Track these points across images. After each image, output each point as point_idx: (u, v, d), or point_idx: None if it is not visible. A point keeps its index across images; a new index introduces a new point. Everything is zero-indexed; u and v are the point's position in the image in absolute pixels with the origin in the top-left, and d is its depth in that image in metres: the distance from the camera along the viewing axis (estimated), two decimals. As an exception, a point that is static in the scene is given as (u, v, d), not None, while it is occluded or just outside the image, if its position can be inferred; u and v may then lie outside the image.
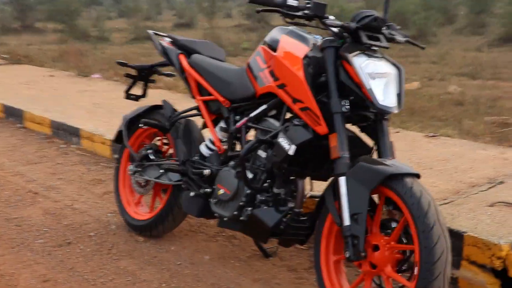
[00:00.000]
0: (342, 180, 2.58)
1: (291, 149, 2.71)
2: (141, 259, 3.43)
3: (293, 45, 2.86)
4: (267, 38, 3.05)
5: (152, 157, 3.64)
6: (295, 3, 2.76)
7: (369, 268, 2.56)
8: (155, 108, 3.69)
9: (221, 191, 3.08)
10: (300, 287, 3.14)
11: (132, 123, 3.74)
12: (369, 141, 2.80)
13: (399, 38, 2.78)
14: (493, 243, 2.96)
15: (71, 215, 4.10)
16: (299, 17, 2.77)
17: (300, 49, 2.82)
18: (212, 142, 3.36)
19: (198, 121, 3.55)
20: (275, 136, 2.84)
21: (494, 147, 4.72)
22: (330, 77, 2.67)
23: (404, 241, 2.53)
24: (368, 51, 2.67)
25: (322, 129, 2.66)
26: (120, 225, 3.89)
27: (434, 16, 18.85)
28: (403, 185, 2.46)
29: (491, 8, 22.54)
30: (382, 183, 2.48)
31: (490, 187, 3.71)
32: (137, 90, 3.92)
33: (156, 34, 3.72)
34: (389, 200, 2.57)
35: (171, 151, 3.70)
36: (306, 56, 2.77)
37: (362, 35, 2.65)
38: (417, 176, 2.53)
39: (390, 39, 2.74)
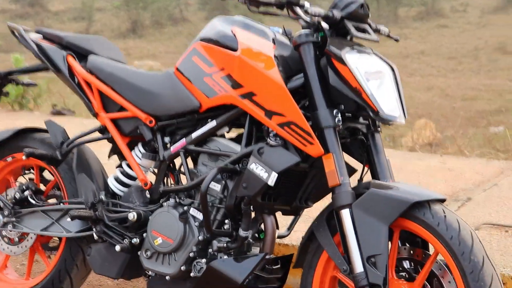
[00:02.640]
0: (346, 214, 2.42)
1: (270, 178, 2.48)
2: None
3: (255, 41, 2.64)
4: (208, 33, 2.78)
5: (32, 200, 3.13)
6: None
7: None
8: (23, 133, 3.24)
9: (159, 240, 2.73)
10: None
11: None
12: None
13: (384, 29, 2.71)
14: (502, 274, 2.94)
15: None
16: (268, 4, 2.51)
17: (266, 46, 2.60)
18: (127, 175, 2.97)
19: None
20: (237, 161, 2.62)
21: (429, 155, 4.78)
22: (313, 82, 2.50)
23: (428, 286, 2.42)
24: (355, 45, 2.54)
25: (315, 149, 2.44)
26: None
27: None
28: (433, 214, 2.33)
29: None
30: (404, 214, 2.34)
31: (460, 206, 3.67)
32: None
33: (25, 29, 3.20)
34: (407, 235, 2.47)
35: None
36: (274, 56, 2.57)
37: (350, 26, 2.50)
38: (443, 201, 2.42)
39: (376, 31, 2.66)
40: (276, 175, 2.45)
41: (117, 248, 2.80)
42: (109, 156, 3.10)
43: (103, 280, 3.51)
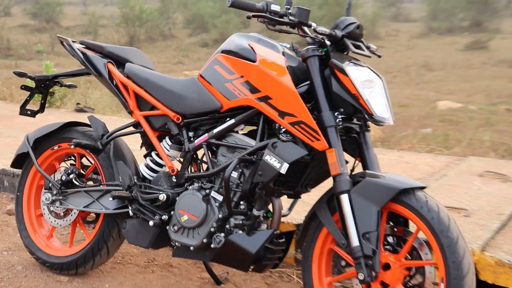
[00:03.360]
0: (345, 198, 2.54)
1: (283, 168, 2.59)
2: (78, 303, 3.08)
3: (269, 54, 2.73)
4: (229, 47, 2.86)
5: (76, 182, 3.28)
6: (278, 9, 2.66)
7: (380, 287, 2.52)
8: (67, 126, 3.35)
9: (185, 217, 2.85)
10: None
11: (37, 143, 3.36)
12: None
13: (373, 46, 2.81)
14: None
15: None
16: (283, 23, 2.67)
17: (278, 58, 2.70)
18: (156, 163, 3.11)
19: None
20: (252, 153, 2.73)
21: (389, 151, 4.97)
22: (318, 89, 2.62)
23: (409, 257, 2.55)
24: (352, 59, 2.66)
25: (321, 144, 2.56)
26: (27, 264, 3.44)
27: (235, 20, 19.57)
28: (417, 199, 2.46)
29: None
30: (393, 199, 2.47)
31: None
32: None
33: (72, 41, 3.35)
34: (391, 215, 2.58)
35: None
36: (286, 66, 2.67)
37: (349, 43, 2.65)
38: (424, 188, 2.53)
39: (367, 47, 2.76)
40: (288, 165, 2.56)
41: (151, 223, 2.92)
42: (141, 147, 3.21)
43: (130, 249, 3.67)
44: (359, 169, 2.71)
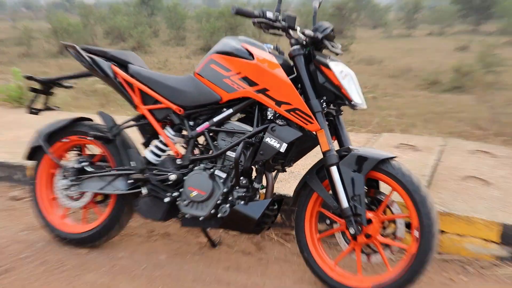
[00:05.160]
0: (335, 169, 2.53)
1: (282, 147, 2.55)
2: (101, 271, 2.87)
3: (263, 53, 2.64)
4: (224, 48, 2.71)
5: (89, 169, 3.02)
6: (272, 15, 2.58)
7: (365, 239, 2.54)
8: (77, 121, 3.11)
9: (194, 193, 2.74)
10: (267, 268, 2.94)
11: (48, 137, 3.10)
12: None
13: (339, 45, 2.75)
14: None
15: (-23, 242, 3.21)
16: (277, 27, 2.60)
17: (270, 57, 2.61)
18: (160, 149, 2.96)
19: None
20: (251, 137, 2.63)
21: None
22: (306, 81, 2.57)
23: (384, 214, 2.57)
24: (330, 56, 2.63)
25: (314, 127, 2.53)
26: (46, 241, 3.22)
27: (147, 31, 19.21)
28: (393, 167, 2.49)
29: (186, 25, 23.93)
30: (373, 167, 2.47)
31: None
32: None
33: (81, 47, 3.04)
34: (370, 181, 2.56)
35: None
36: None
37: (328, 43, 2.61)
38: (394, 157, 2.55)
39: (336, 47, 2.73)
40: (286, 145, 2.53)
41: (166, 199, 2.80)
42: (145, 137, 3.00)
43: (130, 223, 3.44)
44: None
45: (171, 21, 23.35)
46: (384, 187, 2.52)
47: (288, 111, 2.52)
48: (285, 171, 2.88)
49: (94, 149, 3.11)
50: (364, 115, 6.41)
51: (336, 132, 2.66)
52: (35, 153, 3.16)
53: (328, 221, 2.66)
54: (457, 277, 2.80)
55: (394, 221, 2.54)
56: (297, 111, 2.51)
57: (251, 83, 2.60)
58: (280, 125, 2.56)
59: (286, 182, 3.46)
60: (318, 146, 2.59)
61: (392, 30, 27.87)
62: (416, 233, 2.42)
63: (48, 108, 3.25)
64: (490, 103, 8.14)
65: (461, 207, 3.11)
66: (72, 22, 19.85)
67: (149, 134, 2.98)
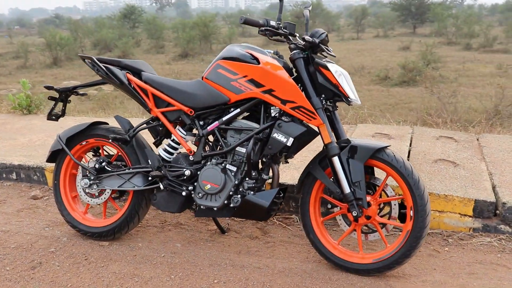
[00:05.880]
0: (336, 159, 2.46)
1: (289, 141, 2.47)
2: (124, 261, 2.73)
3: (267, 58, 2.54)
4: (230, 54, 2.60)
5: (108, 168, 2.87)
6: (274, 23, 2.52)
7: (365, 220, 2.49)
8: (94, 125, 2.95)
9: (208, 186, 2.63)
10: (274, 250, 2.86)
11: (68, 141, 2.93)
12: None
13: (331, 49, 2.68)
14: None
15: (7, 238, 3.00)
16: (280, 34, 2.52)
17: (274, 61, 2.52)
18: (172, 147, 2.84)
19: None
20: (258, 133, 2.53)
21: None
22: (306, 81, 2.50)
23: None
24: (327, 59, 2.57)
25: (317, 122, 2.45)
26: (70, 235, 3.05)
27: (130, 41, 18.94)
28: (388, 154, 2.44)
29: (164, 35, 23.52)
30: (371, 156, 2.42)
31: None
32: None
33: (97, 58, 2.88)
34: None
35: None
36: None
37: (324, 47, 2.54)
38: (389, 146, 2.50)
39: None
40: (292, 139, 2.45)
41: (183, 193, 2.68)
42: (158, 137, 2.85)
43: (148, 216, 3.29)
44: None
45: (150, 32, 23.12)
46: (378, 172, 2.47)
47: (293, 108, 2.44)
48: (288, 163, 2.77)
49: (110, 150, 2.97)
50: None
51: (333, 125, 2.58)
52: (55, 156, 3.00)
53: (329, 206, 2.59)
54: (441, 249, 2.78)
55: (388, 203, 2.49)
56: (301, 109, 2.43)
57: (258, 85, 2.50)
58: (285, 121, 2.48)
59: (282, 172, 3.37)
60: (315, 139, 2.48)
61: (344, 34, 28.11)
62: (411, 212, 2.37)
63: (64, 114, 3.09)
64: (437, 94, 8.22)
65: (438, 187, 3.08)
66: (63, 36, 19.41)
67: (162, 135, 2.85)
